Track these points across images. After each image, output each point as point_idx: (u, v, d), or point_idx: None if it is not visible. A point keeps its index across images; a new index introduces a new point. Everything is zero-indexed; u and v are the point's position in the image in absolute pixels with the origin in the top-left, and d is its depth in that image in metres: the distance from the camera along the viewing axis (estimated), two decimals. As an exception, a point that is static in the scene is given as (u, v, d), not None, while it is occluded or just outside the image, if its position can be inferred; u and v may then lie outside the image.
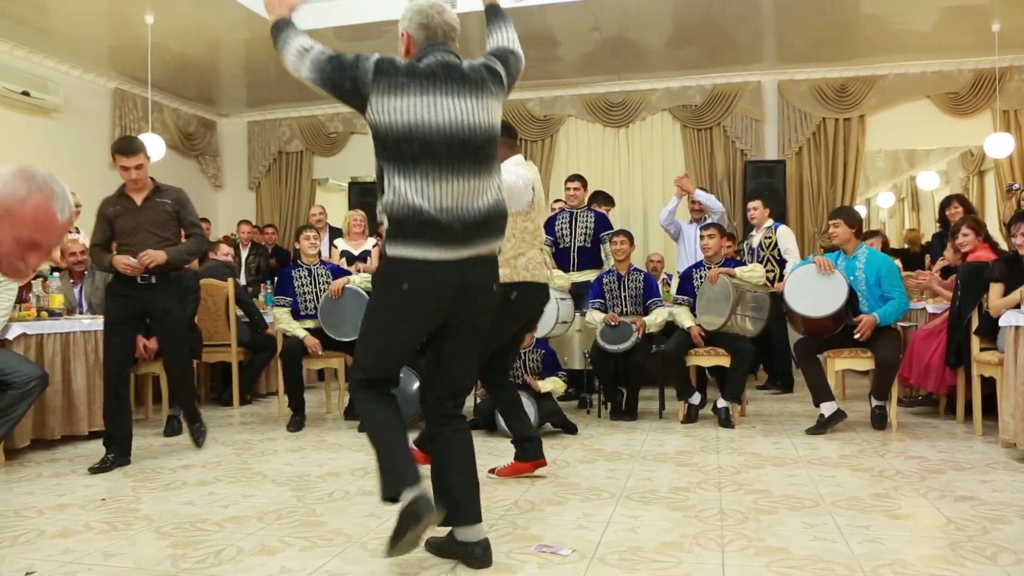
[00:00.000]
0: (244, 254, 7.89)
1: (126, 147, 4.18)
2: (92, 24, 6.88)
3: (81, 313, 5.24)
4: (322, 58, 2.32)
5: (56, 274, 5.20)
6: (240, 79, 8.74)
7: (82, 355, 4.66)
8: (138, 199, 4.20)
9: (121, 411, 4.12)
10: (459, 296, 2.37)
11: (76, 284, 5.36)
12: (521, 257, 3.56)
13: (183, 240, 4.30)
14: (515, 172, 3.55)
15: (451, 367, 2.55)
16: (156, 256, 4.04)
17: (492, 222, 2.40)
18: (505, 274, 3.41)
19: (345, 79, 2.30)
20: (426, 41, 2.43)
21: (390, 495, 2.35)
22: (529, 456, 3.69)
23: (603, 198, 7.07)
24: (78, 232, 6.04)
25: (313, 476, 3.83)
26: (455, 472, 2.53)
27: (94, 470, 3.95)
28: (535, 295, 3.62)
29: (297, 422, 5.19)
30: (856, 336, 4.72)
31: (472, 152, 2.35)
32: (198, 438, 4.53)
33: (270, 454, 4.39)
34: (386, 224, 2.32)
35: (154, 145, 7.12)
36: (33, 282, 4.96)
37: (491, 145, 2.42)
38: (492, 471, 3.73)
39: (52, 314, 4.72)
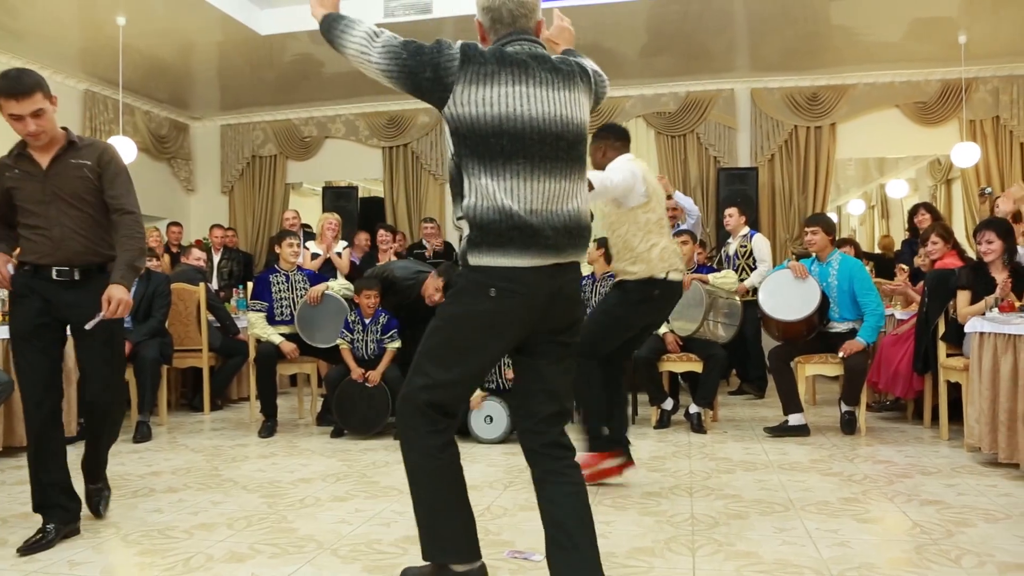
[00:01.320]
0: (216, 258, 7.82)
1: (14, 87, 2.82)
2: (63, 25, 6.79)
3: None
4: (396, 43, 2.06)
5: None
6: (213, 82, 8.67)
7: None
8: (43, 160, 2.93)
9: (53, 462, 2.95)
10: (549, 306, 2.11)
11: None
12: (655, 248, 3.48)
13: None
14: (622, 167, 3.48)
15: (548, 385, 2.21)
16: (121, 300, 2.81)
17: (582, 229, 2.16)
18: (641, 269, 3.44)
19: (426, 66, 2.03)
20: (491, 25, 2.20)
21: (434, 558, 2.22)
22: (604, 446, 3.60)
23: None
24: None
25: (284, 482, 3.80)
26: (571, 520, 2.10)
27: (27, 550, 2.77)
28: (676, 290, 3.58)
29: (269, 428, 5.14)
30: (841, 356, 4.78)
31: (565, 149, 2.12)
32: (98, 504, 3.23)
33: (241, 460, 4.35)
34: (466, 230, 2.07)
35: (125, 147, 7.05)
36: None
37: (582, 144, 2.19)
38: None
39: None
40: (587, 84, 2.23)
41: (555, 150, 2.10)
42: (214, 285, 7.48)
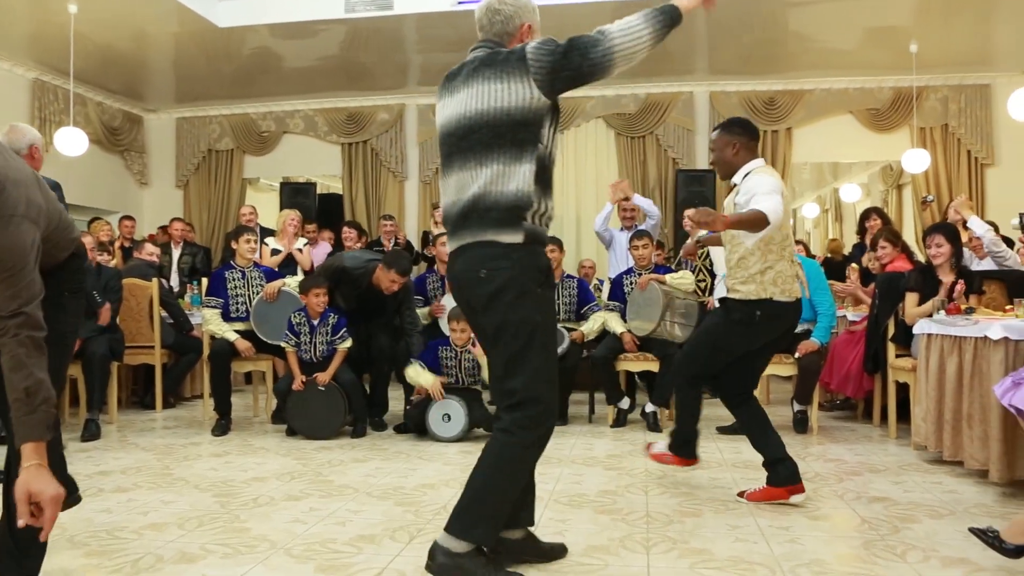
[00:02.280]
0: (176, 253, 7.67)
1: None
2: (11, 12, 6.60)
3: None
4: None
5: None
6: (168, 74, 8.51)
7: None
8: None
9: None
10: (455, 287, 2.47)
11: None
12: (769, 271, 3.21)
13: None
14: (774, 187, 3.15)
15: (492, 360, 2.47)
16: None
17: (495, 210, 2.32)
18: (751, 291, 3.22)
19: None
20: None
21: (483, 541, 2.35)
22: (782, 481, 3.30)
23: None
24: None
25: (238, 481, 3.75)
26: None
27: None
28: (783, 314, 3.27)
29: (223, 426, 5.07)
30: (796, 356, 4.86)
31: (484, 138, 2.33)
32: None
33: (193, 459, 4.28)
34: None
35: (76, 139, 6.88)
36: None
37: (496, 128, 2.31)
38: (741, 495, 3.39)
39: None
40: (513, 67, 2.31)
41: (472, 141, 2.35)
42: (174, 280, 7.33)
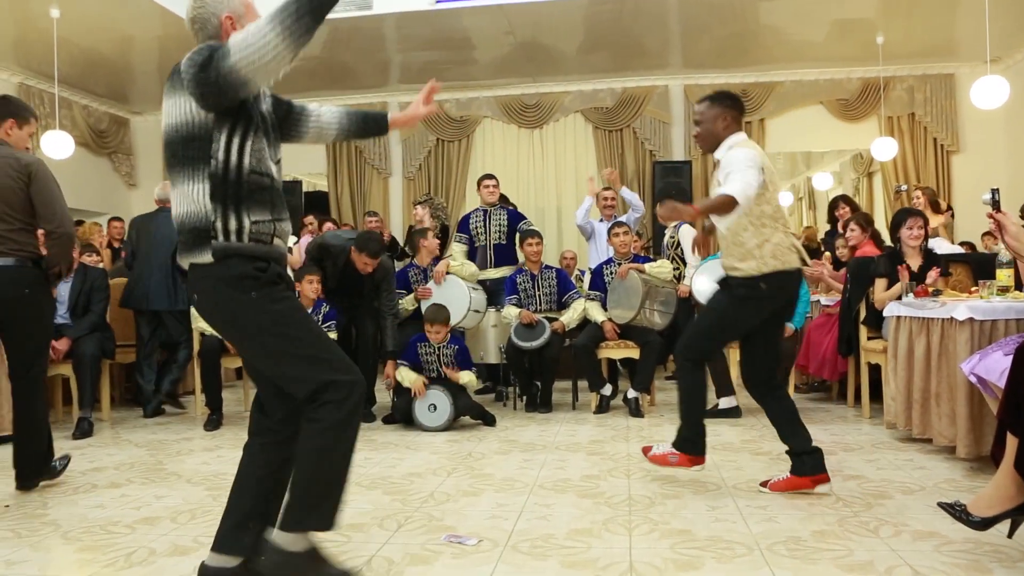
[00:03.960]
0: None
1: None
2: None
3: None
4: None
5: None
6: (153, 76, 8.48)
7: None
8: None
9: None
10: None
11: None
12: (767, 244, 3.15)
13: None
14: (748, 162, 3.09)
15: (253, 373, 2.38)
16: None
17: (184, 233, 2.17)
18: (752, 267, 3.15)
19: None
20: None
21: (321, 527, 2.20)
22: (807, 470, 3.24)
23: (503, 200, 7.22)
24: None
25: (230, 475, 3.67)
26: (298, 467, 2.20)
27: None
28: (786, 283, 3.23)
29: (215, 421, 5.13)
30: None
31: (167, 158, 2.19)
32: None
33: (185, 454, 4.32)
34: None
35: (62, 142, 6.89)
36: None
37: (171, 147, 2.16)
38: (764, 484, 3.32)
39: None
40: (176, 82, 2.14)
41: (165, 160, 2.22)
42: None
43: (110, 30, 7.00)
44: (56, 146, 6.90)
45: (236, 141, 2.14)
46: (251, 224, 2.15)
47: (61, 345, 5.00)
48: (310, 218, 8.00)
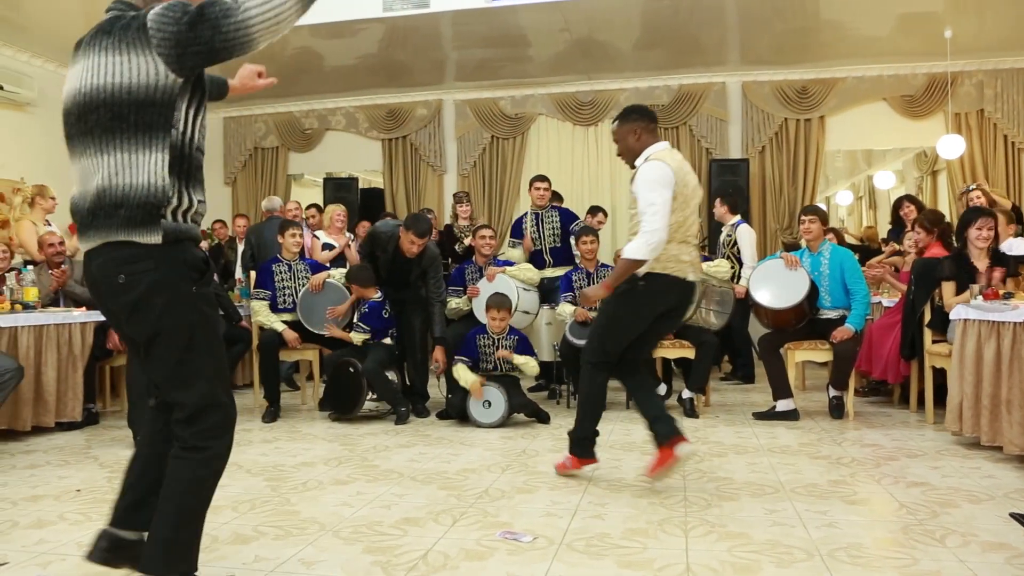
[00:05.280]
0: (240, 247, 7.87)
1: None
2: (66, 18, 6.79)
3: (59, 306, 5.25)
4: None
5: (30, 267, 5.18)
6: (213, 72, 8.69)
7: (54, 348, 4.65)
8: None
9: None
10: (97, 294, 2.08)
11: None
12: (666, 251, 3.28)
13: None
14: (640, 180, 3.27)
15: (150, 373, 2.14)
16: None
17: (105, 207, 1.95)
18: (647, 265, 3.27)
19: None
20: None
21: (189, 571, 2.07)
22: (662, 440, 3.34)
23: (554, 196, 7.21)
24: (50, 225, 6.05)
25: (287, 466, 3.87)
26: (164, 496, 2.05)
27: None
28: (667, 287, 3.32)
29: (272, 413, 5.24)
30: (833, 341, 4.88)
31: (101, 120, 1.95)
32: None
33: (245, 445, 4.42)
34: None
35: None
36: (7, 275, 4.97)
37: (114, 109, 1.94)
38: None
39: (26, 307, 4.72)
40: (141, 39, 1.92)
41: (91, 123, 1.96)
42: (239, 273, 7.55)
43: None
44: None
45: (192, 112, 2.02)
46: (198, 204, 2.06)
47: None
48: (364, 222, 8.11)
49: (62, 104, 2.03)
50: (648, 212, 3.21)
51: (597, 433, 3.58)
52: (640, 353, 3.60)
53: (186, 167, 2.02)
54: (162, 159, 1.95)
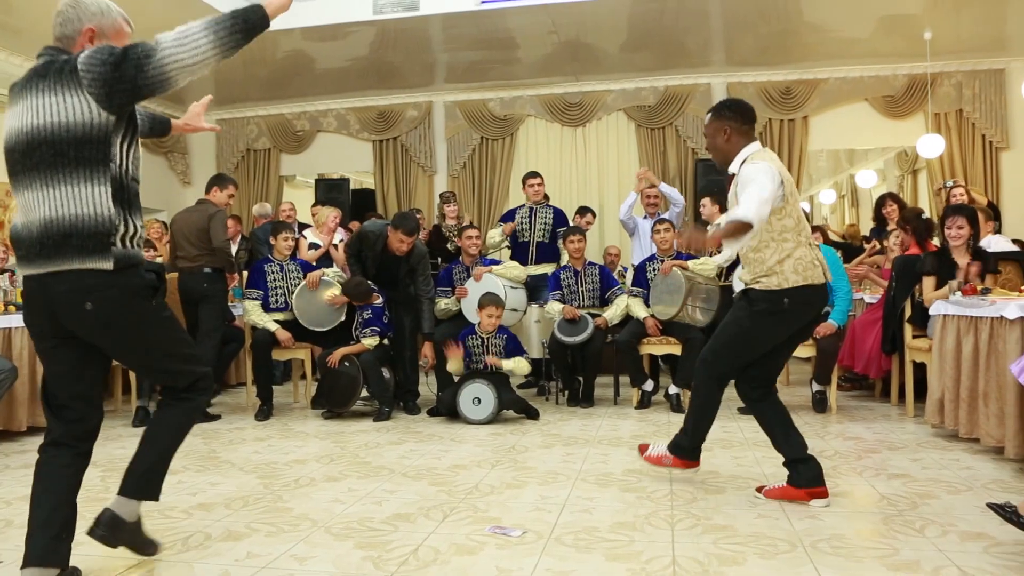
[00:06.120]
0: (234, 248, 7.87)
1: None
2: (51, 20, 6.80)
3: None
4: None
5: None
6: (208, 78, 8.63)
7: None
8: None
9: None
10: (52, 313, 2.21)
11: None
12: (788, 260, 3.01)
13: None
14: (764, 178, 2.93)
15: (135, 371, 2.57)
16: None
17: (61, 236, 2.12)
18: (773, 283, 3.01)
19: None
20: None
21: (156, 497, 2.51)
22: (802, 481, 3.10)
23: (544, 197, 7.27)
24: None
25: (280, 463, 3.90)
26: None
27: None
28: (811, 299, 3.07)
29: (265, 411, 5.28)
30: (816, 337, 4.95)
31: (40, 158, 2.13)
32: None
33: (238, 443, 4.45)
34: None
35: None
36: (1, 276, 4.98)
37: (54, 147, 2.10)
38: (759, 490, 3.22)
39: (19, 308, 4.72)
40: (74, 81, 2.10)
41: (35, 159, 2.13)
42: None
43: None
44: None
45: (126, 146, 2.21)
46: (141, 229, 2.27)
47: None
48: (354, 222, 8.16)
49: (4, 142, 2.22)
50: (753, 188, 2.91)
51: (703, 441, 3.35)
52: (776, 370, 3.29)
53: (126, 196, 2.21)
54: (105, 191, 2.13)
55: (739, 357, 3.18)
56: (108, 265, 2.14)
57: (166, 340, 2.37)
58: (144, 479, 2.44)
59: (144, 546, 2.54)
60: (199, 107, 2.89)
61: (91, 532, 2.40)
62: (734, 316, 3.18)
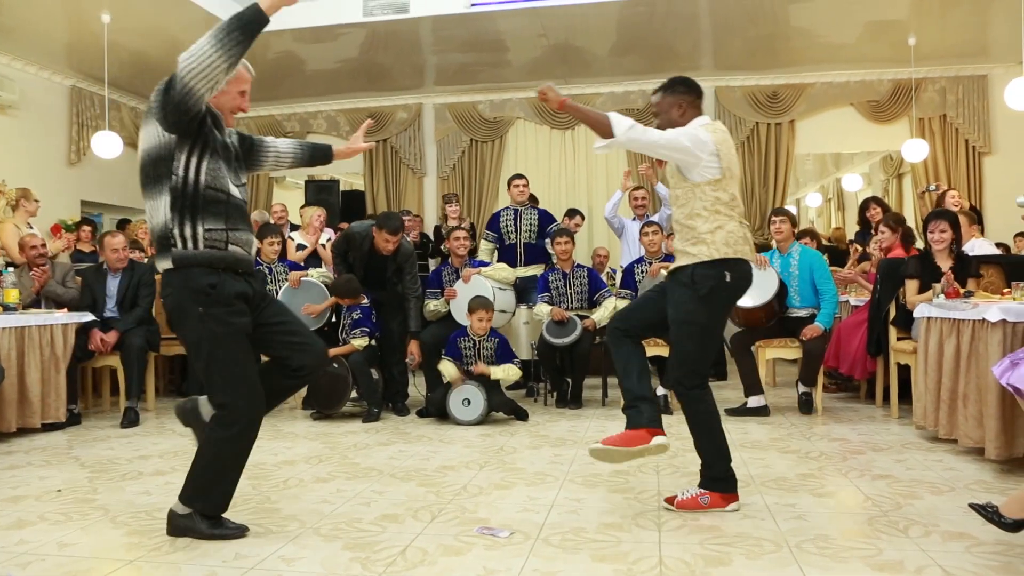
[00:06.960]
0: None
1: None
2: (48, 22, 6.79)
3: (39, 307, 5.26)
4: None
5: (11, 269, 5.17)
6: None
7: (36, 349, 4.65)
8: None
9: None
10: None
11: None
12: (719, 231, 2.95)
13: None
14: (684, 132, 2.96)
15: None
16: None
17: (153, 243, 2.64)
18: (703, 252, 2.93)
19: None
20: None
21: (203, 510, 2.75)
22: (644, 421, 2.98)
23: (530, 199, 7.29)
24: (32, 228, 6.03)
25: (269, 464, 3.89)
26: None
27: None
28: (747, 273, 3.03)
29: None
30: (803, 339, 5.00)
31: (142, 180, 2.61)
32: None
33: (225, 444, 4.43)
34: None
35: (112, 143, 7.16)
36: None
37: (144, 170, 2.58)
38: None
39: (7, 308, 4.72)
40: (148, 111, 2.58)
41: (140, 180, 2.61)
42: None
43: (159, 35, 7.14)
44: (105, 146, 7.19)
45: (194, 161, 2.55)
46: (204, 231, 2.57)
47: (110, 338, 5.23)
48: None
49: None
50: (671, 132, 2.98)
51: (729, 457, 3.10)
52: (661, 326, 3.15)
53: (190, 203, 2.55)
54: (166, 202, 2.54)
55: (709, 352, 3.07)
56: (168, 264, 2.58)
57: (203, 350, 2.62)
58: (191, 485, 2.74)
59: None
60: (360, 130, 3.25)
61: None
62: (684, 315, 2.99)
